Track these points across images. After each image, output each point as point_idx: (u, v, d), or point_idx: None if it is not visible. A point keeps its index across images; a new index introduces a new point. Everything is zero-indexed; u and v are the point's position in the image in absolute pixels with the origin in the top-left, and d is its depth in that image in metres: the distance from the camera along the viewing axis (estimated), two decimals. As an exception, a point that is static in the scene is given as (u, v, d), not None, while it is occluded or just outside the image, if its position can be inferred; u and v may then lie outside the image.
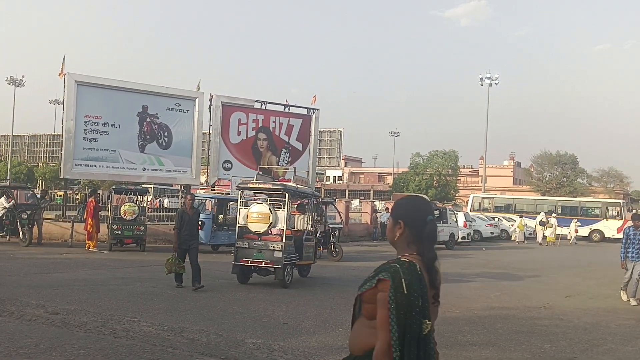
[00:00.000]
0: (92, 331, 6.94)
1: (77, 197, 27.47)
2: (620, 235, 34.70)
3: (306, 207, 13.35)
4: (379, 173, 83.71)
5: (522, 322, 8.86)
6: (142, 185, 25.43)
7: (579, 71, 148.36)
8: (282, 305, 9.32)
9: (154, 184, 32.73)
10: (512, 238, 32.24)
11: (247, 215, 11.33)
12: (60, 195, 26.65)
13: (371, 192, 68.95)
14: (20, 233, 17.01)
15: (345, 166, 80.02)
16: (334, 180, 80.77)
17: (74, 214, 21.81)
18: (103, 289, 10.05)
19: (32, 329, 6.91)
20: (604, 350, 7.40)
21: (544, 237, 30.78)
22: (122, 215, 17.30)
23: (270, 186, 12.34)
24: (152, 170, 23.00)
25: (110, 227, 17.30)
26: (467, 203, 44.73)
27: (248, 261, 11.10)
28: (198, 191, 25.29)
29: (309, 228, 12.80)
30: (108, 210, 18.33)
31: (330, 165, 50.45)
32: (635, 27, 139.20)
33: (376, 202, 36.28)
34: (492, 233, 32.97)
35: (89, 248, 16.81)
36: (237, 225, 11.75)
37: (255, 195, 14.56)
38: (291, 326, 7.75)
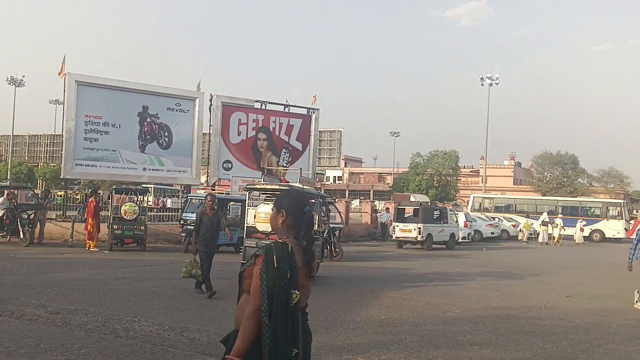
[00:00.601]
0: (92, 331, 6.94)
1: (77, 197, 27.49)
2: (622, 235, 35.20)
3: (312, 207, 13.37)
4: (379, 173, 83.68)
5: (522, 322, 8.85)
6: (143, 185, 25.41)
7: (579, 71, 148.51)
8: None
9: (155, 184, 32.75)
10: (519, 238, 32.55)
11: (255, 215, 11.53)
12: (60, 195, 26.66)
13: (371, 192, 68.91)
14: (21, 233, 17.02)
15: (345, 166, 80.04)
16: (334, 181, 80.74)
17: (74, 214, 21.83)
18: (103, 289, 10.05)
19: (33, 329, 6.91)
20: (604, 350, 7.39)
21: (550, 236, 31.00)
22: (123, 215, 17.30)
23: (277, 187, 12.54)
24: (153, 170, 23.02)
25: (110, 227, 17.31)
26: (467, 203, 44.74)
27: None
28: (198, 191, 25.28)
29: (315, 227, 12.89)
30: (108, 210, 18.34)
31: (330, 165, 50.55)
32: (636, 27, 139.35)
33: (376, 202, 36.26)
34: (492, 233, 32.98)
35: (89, 248, 16.82)
36: (245, 225, 12.08)
37: (259, 196, 14.70)
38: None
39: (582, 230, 33.06)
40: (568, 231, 32.20)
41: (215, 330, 7.19)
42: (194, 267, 9.73)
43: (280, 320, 2.49)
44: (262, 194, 13.70)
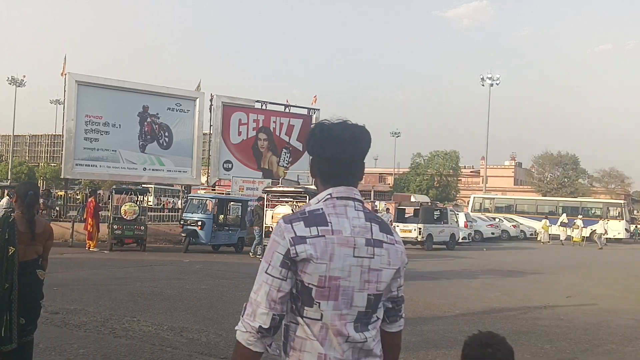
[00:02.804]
0: (91, 331, 6.93)
1: (78, 197, 27.48)
2: (622, 236, 35.16)
3: None
4: (379, 173, 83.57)
5: (522, 323, 8.84)
6: (143, 185, 25.42)
7: (580, 71, 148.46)
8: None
9: (155, 184, 32.76)
10: (538, 239, 33.40)
11: (273, 216, 12.54)
12: (60, 195, 26.64)
13: (372, 192, 68.84)
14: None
15: (346, 166, 79.89)
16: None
17: (74, 213, 21.82)
18: (103, 289, 10.04)
19: (32, 329, 6.89)
20: (604, 350, 7.38)
21: (568, 237, 31.84)
22: (123, 215, 17.28)
23: (293, 189, 13.76)
24: (153, 170, 23.01)
25: (110, 227, 17.29)
26: (468, 203, 44.72)
27: None
28: (199, 191, 25.31)
29: None
30: (108, 210, 18.33)
31: (331, 165, 50.53)
32: (637, 28, 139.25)
33: (377, 203, 36.26)
34: (492, 233, 33.02)
35: (89, 248, 16.81)
36: (264, 225, 13.06)
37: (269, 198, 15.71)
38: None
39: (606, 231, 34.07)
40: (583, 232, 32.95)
41: (215, 331, 7.19)
42: None
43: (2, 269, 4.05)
44: (281, 195, 14.38)
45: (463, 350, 2.13)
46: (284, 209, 12.52)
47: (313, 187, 14.74)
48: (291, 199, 13.19)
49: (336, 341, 1.75)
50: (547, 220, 33.21)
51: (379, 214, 29.40)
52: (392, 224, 25.65)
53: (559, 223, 32.72)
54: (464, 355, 2.12)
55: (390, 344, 1.97)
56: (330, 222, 1.78)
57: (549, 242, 31.96)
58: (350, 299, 1.77)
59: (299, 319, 1.78)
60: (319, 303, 1.75)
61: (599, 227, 34.82)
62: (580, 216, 33.54)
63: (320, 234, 1.76)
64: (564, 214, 34.27)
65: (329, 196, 1.85)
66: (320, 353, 1.75)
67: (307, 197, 12.77)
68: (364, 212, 1.86)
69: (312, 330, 1.76)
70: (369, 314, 1.81)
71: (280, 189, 14.10)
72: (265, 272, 1.77)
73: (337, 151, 1.86)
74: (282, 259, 1.75)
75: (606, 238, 33.08)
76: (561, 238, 32.15)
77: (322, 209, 1.81)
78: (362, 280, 1.78)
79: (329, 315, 1.75)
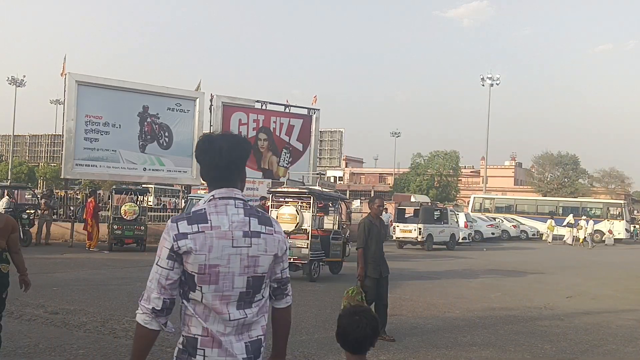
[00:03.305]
0: (91, 331, 6.93)
1: (78, 197, 27.46)
2: (622, 236, 35.24)
3: (331, 208, 14.77)
4: (379, 173, 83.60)
5: (522, 323, 8.84)
6: (143, 186, 25.42)
7: (580, 71, 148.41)
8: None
9: (155, 184, 32.75)
10: (543, 238, 34.05)
11: (278, 216, 12.48)
12: (60, 195, 26.62)
13: (372, 192, 68.86)
14: (21, 233, 16.98)
15: (346, 166, 79.96)
16: (335, 181, 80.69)
17: (74, 213, 21.80)
18: (103, 289, 10.04)
19: (32, 329, 6.90)
20: (604, 351, 7.38)
21: (575, 238, 31.92)
22: (123, 215, 17.28)
23: (298, 190, 13.88)
24: (153, 170, 23.01)
25: (110, 227, 17.29)
26: (468, 204, 44.71)
27: None
28: (199, 191, 25.28)
29: (336, 228, 13.94)
30: (108, 210, 18.32)
31: (331, 165, 50.52)
32: (637, 28, 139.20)
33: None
34: (493, 234, 33.01)
35: (89, 248, 16.82)
36: None
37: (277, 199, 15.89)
38: (291, 326, 7.71)
39: (610, 232, 34.63)
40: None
41: (215, 331, 7.17)
42: (353, 299, 6.77)
43: None
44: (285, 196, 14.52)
45: (338, 320, 2.59)
46: (289, 210, 12.63)
47: (318, 187, 14.98)
48: (296, 199, 13.30)
49: (218, 318, 2.14)
50: (553, 221, 33.53)
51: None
52: (391, 224, 25.64)
53: (565, 223, 32.93)
54: (339, 325, 2.58)
55: (279, 318, 2.45)
56: (210, 220, 2.13)
57: (554, 242, 32.25)
58: (231, 282, 2.13)
59: (185, 301, 2.21)
60: (201, 287, 2.12)
61: (602, 227, 35.00)
62: (584, 217, 33.61)
63: (200, 230, 2.11)
64: (571, 215, 34.42)
65: (212, 197, 2.21)
66: (204, 327, 2.16)
67: (312, 197, 12.91)
68: (244, 208, 2.20)
69: (196, 309, 2.17)
70: (250, 294, 2.18)
71: (285, 189, 14.21)
72: (156, 264, 2.19)
73: (215, 158, 2.20)
74: (169, 252, 2.13)
75: (611, 238, 33.29)
76: (565, 238, 32.21)
77: (204, 209, 2.17)
78: (242, 266, 2.14)
79: (209, 297, 2.12)
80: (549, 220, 33.73)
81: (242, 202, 2.22)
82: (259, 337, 2.25)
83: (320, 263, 12.95)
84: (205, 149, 2.22)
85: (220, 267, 2.11)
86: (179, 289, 2.21)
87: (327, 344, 6.82)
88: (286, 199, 13.47)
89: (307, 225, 12.63)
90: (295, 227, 12.44)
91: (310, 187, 15.43)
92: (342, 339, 2.58)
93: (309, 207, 12.90)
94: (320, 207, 14.22)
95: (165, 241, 2.14)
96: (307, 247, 12.27)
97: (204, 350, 2.18)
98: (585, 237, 31.18)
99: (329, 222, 14.15)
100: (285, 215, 12.62)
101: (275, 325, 2.45)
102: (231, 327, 2.15)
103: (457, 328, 8.20)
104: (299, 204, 13.11)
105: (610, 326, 8.88)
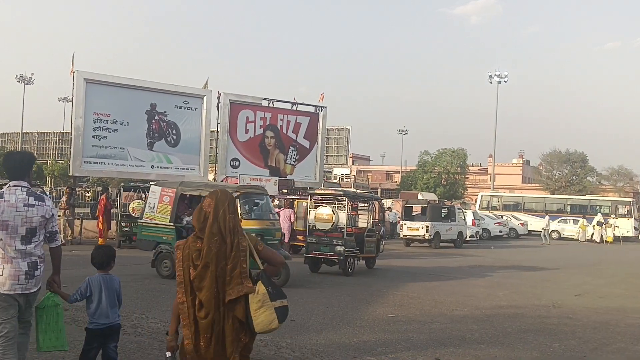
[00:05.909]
0: (100, 327, 6.95)
1: (88, 194, 27.53)
2: (631, 234, 35.09)
3: (366, 208, 15.96)
4: (386, 171, 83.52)
5: (530, 321, 8.82)
6: (151, 183, 25.48)
7: (588, 69, 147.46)
8: (290, 303, 9.30)
9: (162, 181, 32.80)
10: (576, 237, 34.04)
11: (315, 216, 13.59)
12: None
13: (379, 190, 68.83)
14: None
15: (353, 164, 79.87)
16: (342, 179, 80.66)
17: (84, 211, 21.84)
18: (111, 286, 10.07)
19: (41, 325, 6.92)
20: (613, 349, 7.35)
21: (601, 237, 32.36)
22: (131, 213, 17.37)
23: (334, 191, 15.15)
24: (161, 167, 23.05)
25: (119, 224, 17.37)
26: (475, 201, 44.58)
27: (317, 254, 13.37)
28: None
29: (370, 226, 14.93)
30: (117, 208, 18.40)
31: (338, 163, 50.35)
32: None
33: (384, 201, 36.22)
34: (500, 232, 32.90)
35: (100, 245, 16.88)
36: (308, 224, 14.26)
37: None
38: (299, 323, 7.75)
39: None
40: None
41: (223, 328, 7.20)
42: None
43: None
44: (321, 197, 15.51)
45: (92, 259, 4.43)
46: (326, 210, 13.59)
47: (352, 189, 16.49)
48: (333, 200, 14.30)
49: (10, 249, 3.96)
50: (585, 220, 33.81)
51: (387, 212, 29.82)
52: (398, 222, 25.75)
53: (594, 222, 33.33)
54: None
55: (52, 252, 4.25)
56: (4, 197, 3.98)
57: (585, 241, 32.67)
58: (16, 230, 3.97)
59: None
60: (2, 232, 3.94)
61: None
62: (613, 216, 34.36)
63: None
64: (599, 213, 34.73)
65: (8, 185, 4.05)
66: (3, 254, 3.95)
67: (347, 199, 14.08)
68: (27, 191, 4.07)
69: (0, 244, 3.97)
70: (29, 237, 4.02)
71: (323, 191, 15.47)
72: None
73: (7, 165, 4.12)
74: None
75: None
76: (595, 237, 32.69)
77: (3, 192, 4.01)
78: (22, 222, 3.99)
79: (3, 237, 3.94)
80: (580, 220, 34.09)
81: (26, 188, 4.07)
82: (36, 260, 4.06)
83: (356, 259, 13.78)
84: (5, 158, 4.19)
85: (9, 222, 3.95)
86: None
87: (334, 341, 6.83)
88: (322, 200, 14.42)
89: (342, 224, 13.63)
90: (332, 225, 13.29)
91: (345, 189, 16.58)
92: None
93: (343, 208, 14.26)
94: (353, 207, 15.39)
95: None
96: (342, 245, 13.05)
97: (3, 266, 3.95)
98: (613, 235, 31.88)
99: (363, 221, 15.03)
100: (323, 215, 13.51)
101: (52, 255, 4.23)
102: (18, 253, 3.97)
103: (464, 326, 8.19)
104: (335, 204, 14.11)
105: (619, 324, 8.84)
